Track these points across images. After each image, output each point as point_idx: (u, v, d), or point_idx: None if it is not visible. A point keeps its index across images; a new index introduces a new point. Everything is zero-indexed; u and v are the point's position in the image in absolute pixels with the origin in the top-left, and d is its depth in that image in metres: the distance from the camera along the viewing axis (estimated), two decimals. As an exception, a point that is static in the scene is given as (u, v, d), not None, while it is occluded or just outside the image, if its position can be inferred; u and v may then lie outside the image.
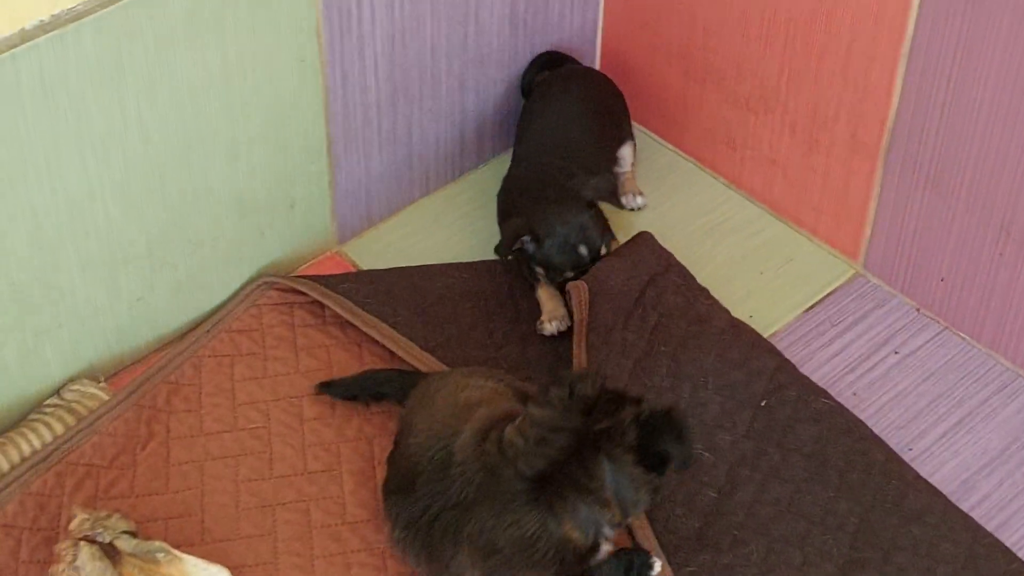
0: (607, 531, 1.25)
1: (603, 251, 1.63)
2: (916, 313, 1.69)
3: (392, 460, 1.40)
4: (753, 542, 1.41)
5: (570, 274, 1.61)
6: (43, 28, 1.29)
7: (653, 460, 1.23)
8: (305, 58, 1.56)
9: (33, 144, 1.36)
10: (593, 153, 1.70)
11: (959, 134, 1.54)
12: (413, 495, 1.31)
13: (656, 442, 1.23)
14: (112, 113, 1.40)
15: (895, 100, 1.59)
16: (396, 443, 1.41)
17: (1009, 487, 1.50)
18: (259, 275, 1.69)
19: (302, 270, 1.74)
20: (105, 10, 1.32)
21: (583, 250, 1.60)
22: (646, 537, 1.41)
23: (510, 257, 1.64)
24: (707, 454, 1.48)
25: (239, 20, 1.46)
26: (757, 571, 1.39)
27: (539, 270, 1.63)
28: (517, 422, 1.26)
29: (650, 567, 1.34)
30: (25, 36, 1.28)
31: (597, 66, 1.93)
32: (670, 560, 1.40)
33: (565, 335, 1.61)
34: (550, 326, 1.62)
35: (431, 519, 1.29)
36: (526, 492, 1.24)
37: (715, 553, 1.40)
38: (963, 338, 1.66)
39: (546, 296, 1.64)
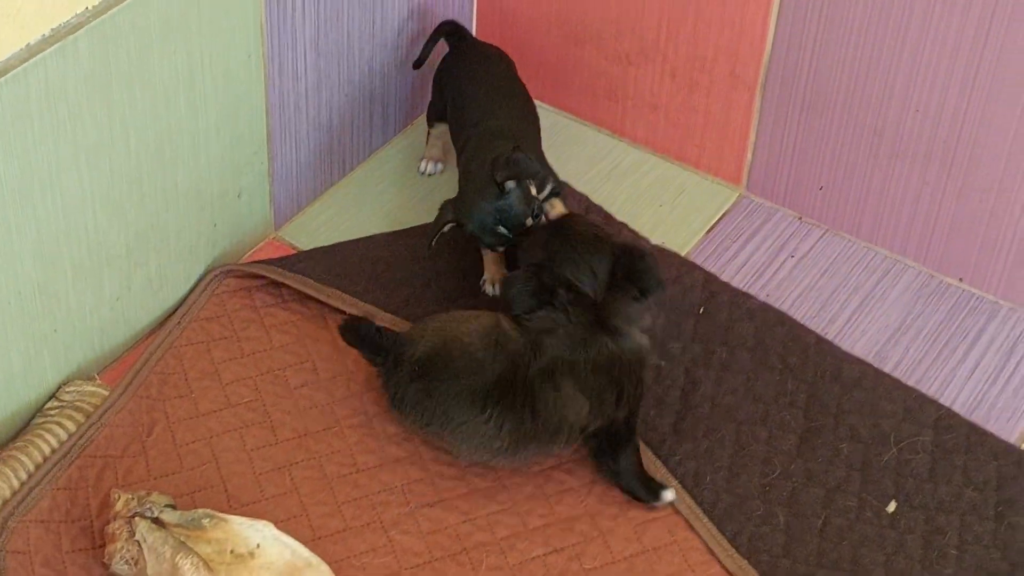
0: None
1: (530, 222, 1.66)
2: (799, 222, 1.92)
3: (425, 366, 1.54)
4: (723, 428, 1.61)
5: (499, 248, 1.70)
6: (46, 42, 1.37)
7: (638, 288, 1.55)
8: (252, 53, 1.67)
9: (39, 156, 1.43)
10: (525, 131, 1.82)
11: (831, 58, 1.77)
12: (466, 376, 1.50)
13: (634, 278, 1.55)
14: (101, 120, 1.49)
15: (770, 35, 1.81)
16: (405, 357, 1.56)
17: (914, 352, 1.74)
18: (214, 265, 1.79)
19: (247, 257, 1.85)
20: (97, 20, 1.41)
21: (502, 230, 1.66)
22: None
23: (432, 243, 1.71)
24: (663, 362, 1.67)
25: (202, 21, 1.56)
26: (732, 450, 1.59)
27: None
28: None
29: (665, 489, 1.55)
30: (31, 51, 1.36)
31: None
32: (656, 453, 1.58)
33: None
34: (491, 288, 1.77)
35: (506, 387, 1.49)
36: (590, 330, 1.51)
37: (693, 442, 1.60)
38: (845, 236, 1.90)
39: (488, 259, 1.78)
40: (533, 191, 1.67)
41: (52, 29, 1.37)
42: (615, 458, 1.53)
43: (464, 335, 1.53)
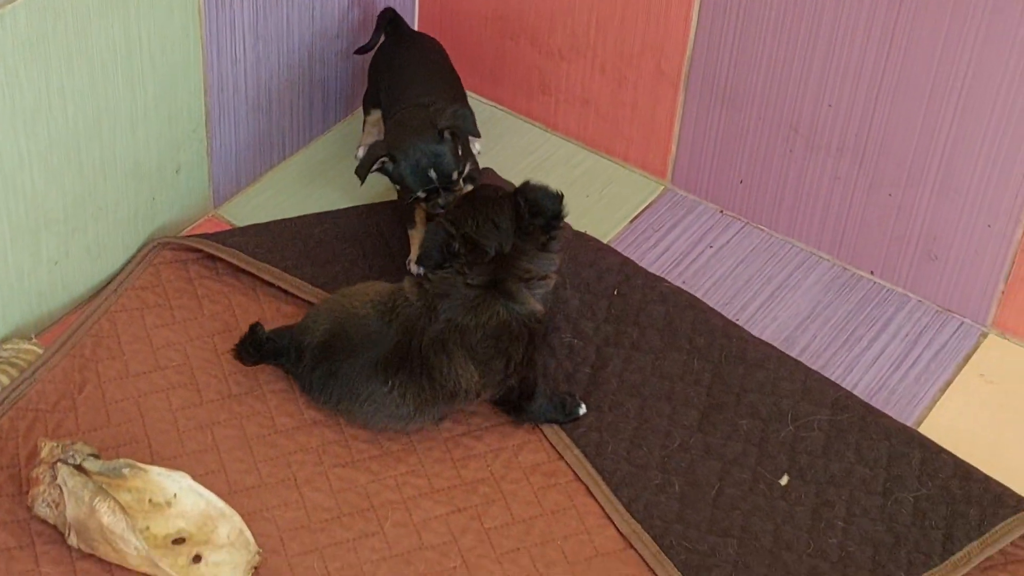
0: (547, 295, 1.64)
1: (456, 177, 1.73)
2: (720, 215, 2.00)
3: (318, 346, 1.61)
4: (628, 402, 1.68)
5: (421, 195, 1.73)
6: (-13, 9, 1.44)
7: (546, 228, 1.62)
8: (189, 33, 1.74)
9: (-25, 115, 1.51)
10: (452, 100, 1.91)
11: (749, 54, 1.85)
12: (364, 351, 1.57)
13: (539, 213, 1.61)
14: (39, 87, 1.56)
15: (692, 32, 1.89)
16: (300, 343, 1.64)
17: (821, 339, 1.81)
18: (152, 238, 1.85)
19: (186, 232, 1.92)
20: (37, -10, 1.49)
21: (432, 174, 1.71)
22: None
23: (364, 176, 1.75)
24: (576, 340, 1.74)
25: (139, -1, 1.64)
26: (635, 423, 1.66)
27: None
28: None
29: (579, 406, 1.64)
30: (-29, 17, 1.44)
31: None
32: (562, 425, 1.65)
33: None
34: (416, 267, 1.85)
35: (403, 355, 1.56)
36: (484, 294, 1.56)
37: (598, 414, 1.67)
38: (763, 229, 1.97)
39: (414, 240, 1.85)
40: (460, 153, 1.75)
41: (-7, -2, 1.45)
42: (524, 410, 1.62)
43: (359, 308, 1.61)
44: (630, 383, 1.70)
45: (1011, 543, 1.52)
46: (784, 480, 1.59)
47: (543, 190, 1.62)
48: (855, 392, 1.72)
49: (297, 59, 1.96)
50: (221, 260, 1.83)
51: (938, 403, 1.73)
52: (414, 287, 1.61)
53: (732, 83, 1.89)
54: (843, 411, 1.66)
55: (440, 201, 1.75)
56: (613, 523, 1.56)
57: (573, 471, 1.61)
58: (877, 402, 1.72)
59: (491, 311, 1.58)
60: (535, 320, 1.61)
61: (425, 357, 1.57)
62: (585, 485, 1.59)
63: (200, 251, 1.84)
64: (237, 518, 1.52)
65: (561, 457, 1.63)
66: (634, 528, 1.54)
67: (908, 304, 1.87)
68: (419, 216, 1.83)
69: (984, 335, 1.82)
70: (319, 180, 2.02)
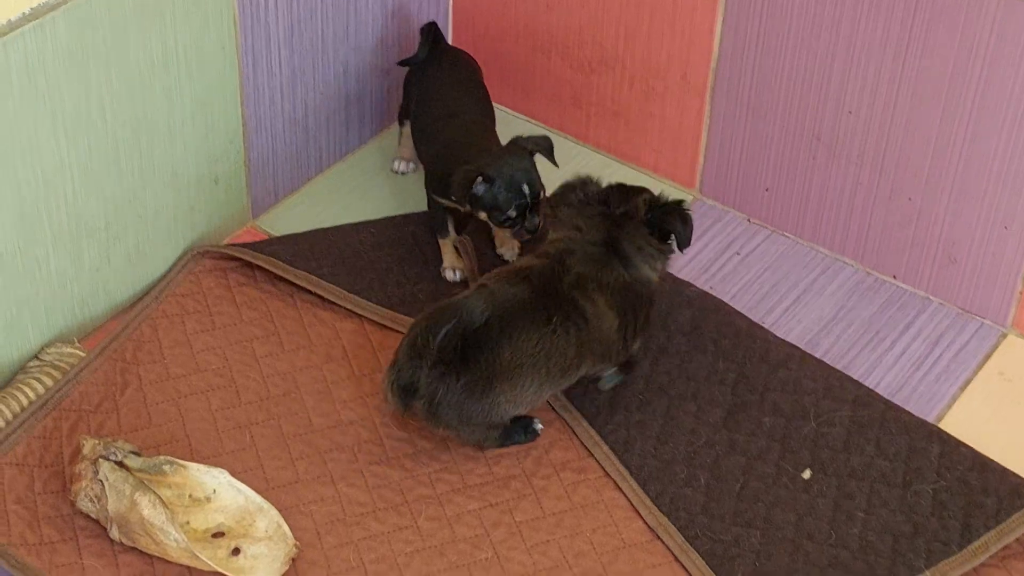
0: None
1: (542, 195, 1.80)
2: (747, 223, 2.04)
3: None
4: (655, 401, 1.72)
5: (512, 213, 1.78)
6: (27, 19, 1.51)
7: (662, 234, 1.69)
8: (225, 46, 1.81)
9: (19, 124, 1.57)
10: (492, 129, 1.95)
11: (772, 64, 1.90)
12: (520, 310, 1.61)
13: (664, 221, 1.67)
14: (79, 96, 1.63)
15: (716, 43, 1.94)
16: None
17: (844, 341, 1.85)
18: (192, 247, 1.91)
19: (225, 242, 1.98)
20: (74, 2, 1.55)
21: (526, 189, 1.78)
22: (567, 411, 1.71)
23: (465, 197, 1.79)
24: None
25: (176, 11, 1.71)
26: (663, 421, 1.70)
27: (482, 214, 1.81)
28: (551, 236, 1.70)
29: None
30: (12, 26, 1.50)
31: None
32: (592, 423, 1.70)
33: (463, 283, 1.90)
34: (451, 274, 1.89)
35: (552, 298, 1.62)
36: (606, 251, 1.66)
37: (627, 413, 1.71)
38: (788, 236, 2.01)
39: (446, 248, 1.91)
40: None
41: (32, 8, 1.52)
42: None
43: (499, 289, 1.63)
44: (657, 384, 1.74)
45: (1028, 532, 1.55)
46: (807, 474, 1.63)
47: (683, 218, 1.69)
48: (877, 391, 1.75)
49: (332, 73, 2.02)
50: (259, 268, 1.89)
51: (958, 401, 1.76)
52: (533, 259, 1.67)
53: (756, 93, 1.94)
54: (864, 407, 1.69)
55: (528, 225, 1.79)
56: (640, 516, 1.60)
57: (602, 467, 1.65)
58: (898, 400, 1.75)
59: (615, 270, 1.65)
60: (652, 286, 1.68)
61: (572, 299, 1.62)
62: (613, 480, 1.63)
63: (239, 259, 1.90)
64: (274, 512, 1.57)
65: (590, 454, 1.67)
66: (660, 520, 1.58)
67: (930, 307, 1.90)
68: (451, 224, 1.89)
69: (1004, 335, 1.85)
70: (355, 192, 2.07)
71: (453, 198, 1.83)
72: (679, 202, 1.70)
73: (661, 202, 1.70)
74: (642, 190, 1.72)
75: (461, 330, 1.57)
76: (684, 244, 1.70)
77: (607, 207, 1.69)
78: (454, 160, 1.83)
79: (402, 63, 2.05)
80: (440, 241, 1.91)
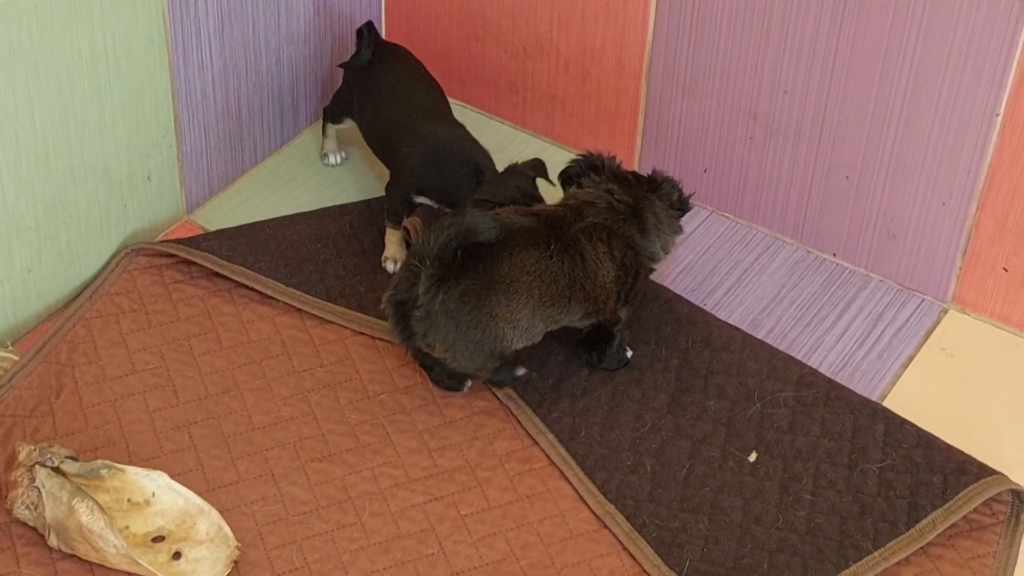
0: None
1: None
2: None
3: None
4: (599, 389, 1.71)
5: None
6: (-50, 19, 1.47)
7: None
8: (154, 39, 1.77)
9: (-57, 124, 1.53)
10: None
11: (706, 45, 1.89)
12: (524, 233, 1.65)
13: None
14: (5, 94, 1.59)
15: (650, 25, 1.92)
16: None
17: (786, 320, 1.85)
18: (126, 244, 1.88)
19: (160, 238, 1.94)
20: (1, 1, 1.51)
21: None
22: (511, 400, 1.69)
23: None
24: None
25: (103, 5, 1.67)
26: (607, 408, 1.69)
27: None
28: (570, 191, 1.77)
29: (627, 351, 1.76)
30: (-66, 27, 1.46)
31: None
32: (536, 412, 1.68)
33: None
34: (391, 265, 1.87)
35: (557, 235, 1.67)
36: (627, 212, 1.71)
37: (571, 401, 1.70)
38: (728, 217, 2.01)
39: (392, 238, 1.88)
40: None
41: (-44, 7, 1.48)
42: (603, 352, 1.73)
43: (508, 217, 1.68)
44: (600, 372, 1.73)
45: (974, 509, 1.56)
46: (752, 457, 1.63)
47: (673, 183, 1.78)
48: (820, 370, 1.75)
49: (264, 65, 1.99)
50: (195, 264, 1.86)
51: (901, 378, 1.76)
52: (550, 206, 1.73)
53: (692, 74, 1.93)
54: (808, 387, 1.69)
55: None
56: (587, 505, 1.59)
57: (547, 456, 1.64)
58: (842, 379, 1.75)
59: (629, 229, 1.70)
60: (653, 260, 1.73)
61: (575, 239, 1.66)
62: (559, 469, 1.62)
63: (174, 256, 1.86)
64: (215, 514, 1.54)
65: (535, 443, 1.66)
66: (607, 509, 1.57)
67: (870, 284, 1.90)
68: (408, 222, 1.86)
69: (944, 311, 1.86)
70: (291, 184, 2.05)
71: (486, 197, 1.79)
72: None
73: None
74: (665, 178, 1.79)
75: (462, 240, 1.59)
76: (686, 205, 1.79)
77: (623, 177, 1.75)
78: (420, 143, 1.84)
79: (344, 65, 2.01)
80: (388, 230, 1.88)
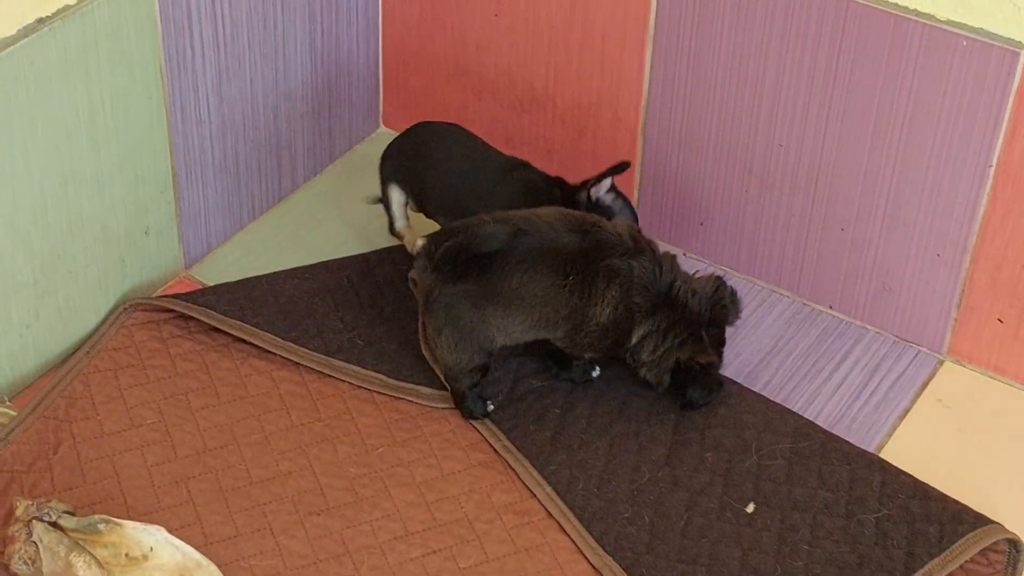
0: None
1: None
2: (683, 257, 2.04)
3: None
4: (597, 440, 1.71)
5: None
6: (-52, 74, 1.49)
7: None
8: (152, 96, 1.79)
9: (-58, 180, 1.55)
10: None
11: (702, 99, 1.91)
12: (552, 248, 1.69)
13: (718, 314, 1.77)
14: (3, 151, 1.60)
15: (646, 80, 1.94)
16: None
17: (783, 373, 1.85)
18: (124, 300, 1.89)
19: (158, 293, 1.95)
20: (-3, 56, 1.53)
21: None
22: (509, 453, 1.69)
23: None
24: (545, 384, 1.78)
25: (100, 63, 1.69)
26: (605, 460, 1.69)
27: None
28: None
29: (594, 370, 1.80)
30: (-67, 80, 1.48)
31: (381, 93, 2.22)
32: (534, 464, 1.68)
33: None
34: (417, 246, 1.83)
35: (586, 263, 1.69)
36: (655, 281, 1.71)
37: (568, 452, 1.70)
38: (724, 269, 2.02)
39: (405, 231, 1.93)
40: None
41: (-46, 63, 1.50)
42: (565, 367, 1.79)
43: (550, 221, 1.71)
44: (598, 424, 1.74)
45: (970, 559, 1.55)
46: (750, 508, 1.63)
47: (734, 303, 1.77)
48: (817, 422, 1.75)
49: (263, 121, 2.00)
50: (193, 319, 1.86)
51: (898, 429, 1.76)
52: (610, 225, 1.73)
53: (687, 128, 1.95)
54: (804, 439, 1.70)
55: None
56: (585, 557, 1.58)
57: (545, 508, 1.64)
58: (838, 431, 1.75)
59: (649, 292, 1.69)
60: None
61: (598, 272, 1.67)
62: (557, 521, 1.62)
63: (172, 311, 1.87)
64: (214, 568, 1.54)
65: (533, 495, 1.66)
66: (606, 561, 1.57)
67: (866, 336, 1.91)
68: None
69: (940, 362, 1.87)
70: (290, 239, 2.06)
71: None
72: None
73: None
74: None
75: (466, 250, 1.65)
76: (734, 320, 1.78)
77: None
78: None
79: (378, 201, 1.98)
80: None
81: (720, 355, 1.76)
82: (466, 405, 1.74)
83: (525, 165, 1.91)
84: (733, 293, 1.76)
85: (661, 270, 1.70)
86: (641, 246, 1.71)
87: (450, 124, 1.97)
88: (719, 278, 1.75)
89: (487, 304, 1.67)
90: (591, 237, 1.69)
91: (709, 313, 1.72)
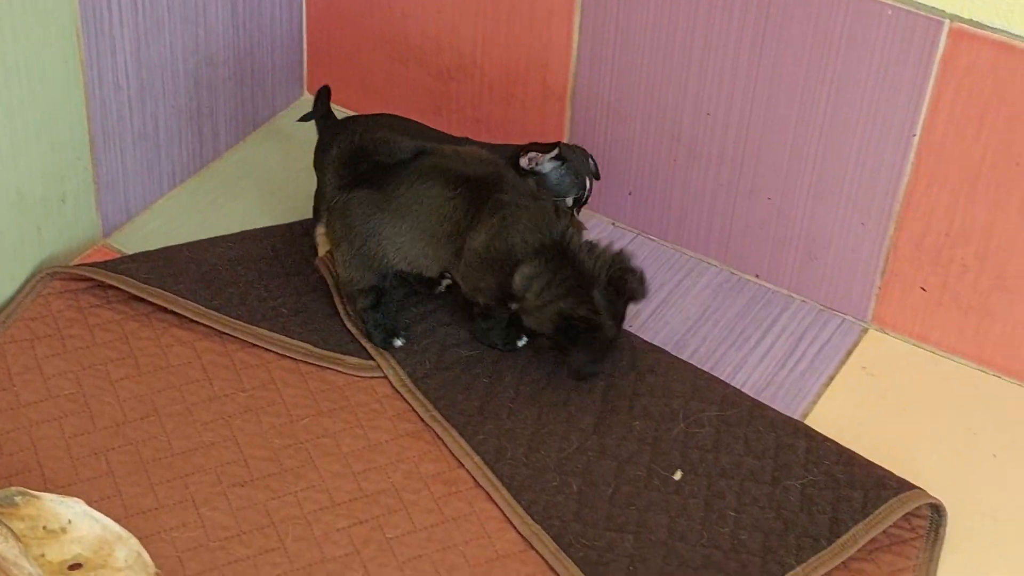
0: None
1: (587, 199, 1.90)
2: (612, 227, 2.04)
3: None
4: (525, 410, 1.70)
5: (569, 201, 1.87)
6: None
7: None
8: (68, 60, 1.74)
9: None
10: None
11: (630, 68, 1.90)
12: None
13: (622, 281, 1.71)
14: (-85, 114, 1.56)
15: (575, 49, 1.93)
16: None
17: (711, 340, 1.86)
18: (40, 269, 1.84)
19: (76, 262, 1.91)
20: (-94, 18, 1.48)
21: (588, 183, 1.88)
22: (437, 422, 1.68)
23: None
24: (472, 353, 1.77)
25: (16, 26, 1.64)
26: (533, 429, 1.68)
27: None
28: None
29: (520, 339, 1.78)
30: None
31: (305, 60, 2.19)
32: (462, 433, 1.67)
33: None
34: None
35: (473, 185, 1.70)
36: (545, 223, 1.70)
37: (497, 422, 1.69)
38: (652, 239, 2.01)
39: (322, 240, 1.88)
40: None
41: None
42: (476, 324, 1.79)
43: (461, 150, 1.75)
44: (526, 393, 1.73)
45: (894, 524, 1.57)
46: (677, 475, 1.63)
47: (635, 275, 1.70)
48: (744, 390, 1.76)
49: (183, 86, 1.96)
50: (112, 288, 1.83)
51: (823, 397, 1.77)
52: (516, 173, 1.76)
53: (616, 97, 1.94)
54: (731, 407, 1.70)
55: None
56: (513, 526, 1.58)
57: (473, 478, 1.63)
58: (765, 398, 1.76)
59: (534, 236, 1.67)
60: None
61: (485, 201, 1.67)
62: (485, 491, 1.61)
63: (90, 280, 1.83)
64: (134, 541, 1.51)
65: (461, 465, 1.64)
66: (534, 529, 1.56)
67: (793, 304, 1.92)
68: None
69: (865, 330, 1.88)
70: (211, 207, 2.02)
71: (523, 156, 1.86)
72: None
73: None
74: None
75: (367, 153, 1.69)
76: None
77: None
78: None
79: (305, 118, 1.95)
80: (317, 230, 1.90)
81: (615, 324, 1.69)
82: (367, 329, 1.76)
83: (468, 140, 1.90)
84: (638, 273, 1.70)
85: (556, 218, 1.68)
86: (549, 203, 1.71)
87: (383, 114, 1.95)
88: (623, 251, 1.71)
89: (379, 212, 1.69)
90: (495, 172, 1.71)
91: (605, 277, 1.67)
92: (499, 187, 1.69)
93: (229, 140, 2.10)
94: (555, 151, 1.86)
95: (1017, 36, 1.62)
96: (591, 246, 1.69)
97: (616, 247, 1.72)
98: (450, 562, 1.54)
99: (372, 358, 1.76)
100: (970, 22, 1.64)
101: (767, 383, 1.79)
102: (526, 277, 1.66)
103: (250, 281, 1.86)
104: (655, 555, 1.53)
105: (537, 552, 1.55)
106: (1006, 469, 1.70)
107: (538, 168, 1.86)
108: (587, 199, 1.91)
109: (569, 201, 1.87)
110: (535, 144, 1.89)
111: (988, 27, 1.64)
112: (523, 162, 1.86)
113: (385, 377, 1.75)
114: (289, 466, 1.63)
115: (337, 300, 1.82)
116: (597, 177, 1.92)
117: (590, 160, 1.91)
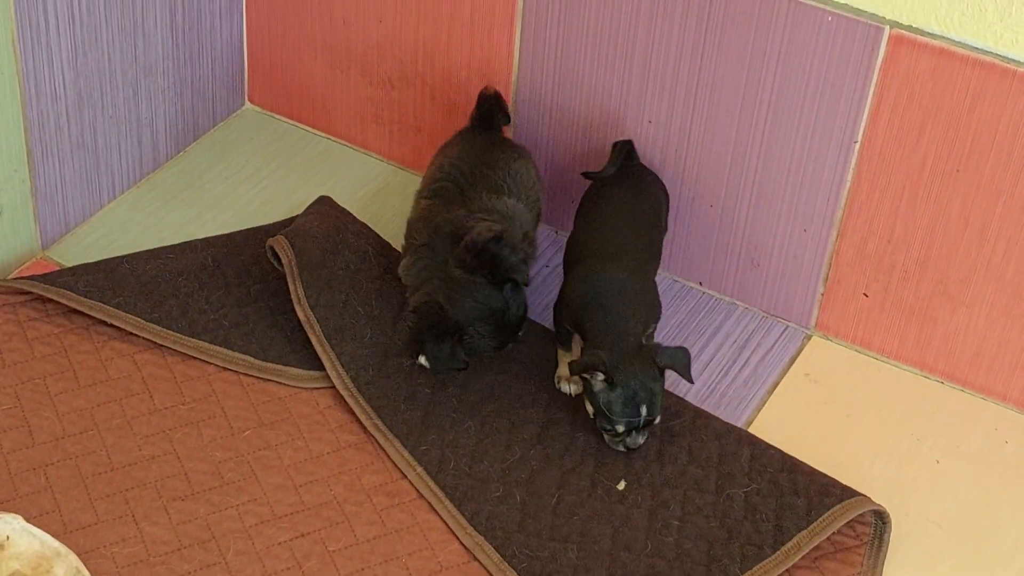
0: None
1: (657, 420, 1.64)
2: (555, 235, 2.03)
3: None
4: (469, 420, 1.70)
5: (620, 428, 1.62)
6: None
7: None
8: (4, 70, 1.72)
9: None
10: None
11: (571, 75, 1.90)
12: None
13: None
14: None
15: (516, 56, 1.93)
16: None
17: (655, 349, 1.85)
18: (-24, 282, 1.82)
19: (13, 275, 1.88)
20: None
21: (643, 411, 1.61)
22: (379, 432, 1.67)
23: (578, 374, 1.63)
24: (414, 364, 1.76)
25: (-52, 35, 1.62)
26: (476, 439, 1.67)
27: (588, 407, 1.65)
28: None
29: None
30: None
31: (247, 69, 2.17)
32: (404, 443, 1.66)
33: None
34: (566, 385, 1.74)
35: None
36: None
37: (440, 432, 1.68)
38: (597, 248, 2.01)
39: (563, 357, 1.76)
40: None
41: None
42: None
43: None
44: (469, 403, 1.72)
45: (838, 531, 1.57)
46: (621, 485, 1.62)
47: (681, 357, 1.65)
48: (686, 398, 1.76)
49: (122, 96, 1.94)
50: (51, 301, 1.80)
51: (766, 404, 1.78)
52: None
53: (558, 105, 1.94)
54: (675, 416, 1.70)
55: (630, 442, 1.64)
56: (456, 537, 1.57)
57: (416, 489, 1.62)
58: (708, 406, 1.76)
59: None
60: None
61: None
62: (428, 502, 1.60)
63: (28, 293, 1.81)
64: (73, 557, 1.49)
65: (404, 476, 1.63)
66: (477, 541, 1.56)
67: (735, 312, 1.92)
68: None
69: (808, 337, 1.89)
70: (152, 220, 2.00)
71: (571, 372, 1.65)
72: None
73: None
74: None
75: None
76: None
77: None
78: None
79: (587, 175, 1.87)
80: (560, 351, 1.78)
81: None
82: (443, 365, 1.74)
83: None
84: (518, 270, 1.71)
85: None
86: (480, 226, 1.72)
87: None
88: (502, 232, 1.71)
89: None
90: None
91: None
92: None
93: (169, 151, 2.08)
94: (601, 374, 1.60)
95: (956, 42, 1.64)
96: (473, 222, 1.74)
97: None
98: (393, 575, 1.53)
99: (313, 368, 1.75)
100: (910, 28, 1.65)
101: (710, 391, 1.79)
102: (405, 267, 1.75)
103: (190, 293, 1.84)
104: (599, 565, 1.53)
105: (480, 563, 1.54)
106: (949, 475, 1.71)
107: (592, 385, 1.63)
108: (655, 420, 1.64)
109: (620, 428, 1.63)
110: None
111: (927, 33, 1.65)
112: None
113: (327, 388, 1.73)
114: (230, 479, 1.62)
115: (293, 290, 1.79)
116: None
117: (659, 377, 1.62)
